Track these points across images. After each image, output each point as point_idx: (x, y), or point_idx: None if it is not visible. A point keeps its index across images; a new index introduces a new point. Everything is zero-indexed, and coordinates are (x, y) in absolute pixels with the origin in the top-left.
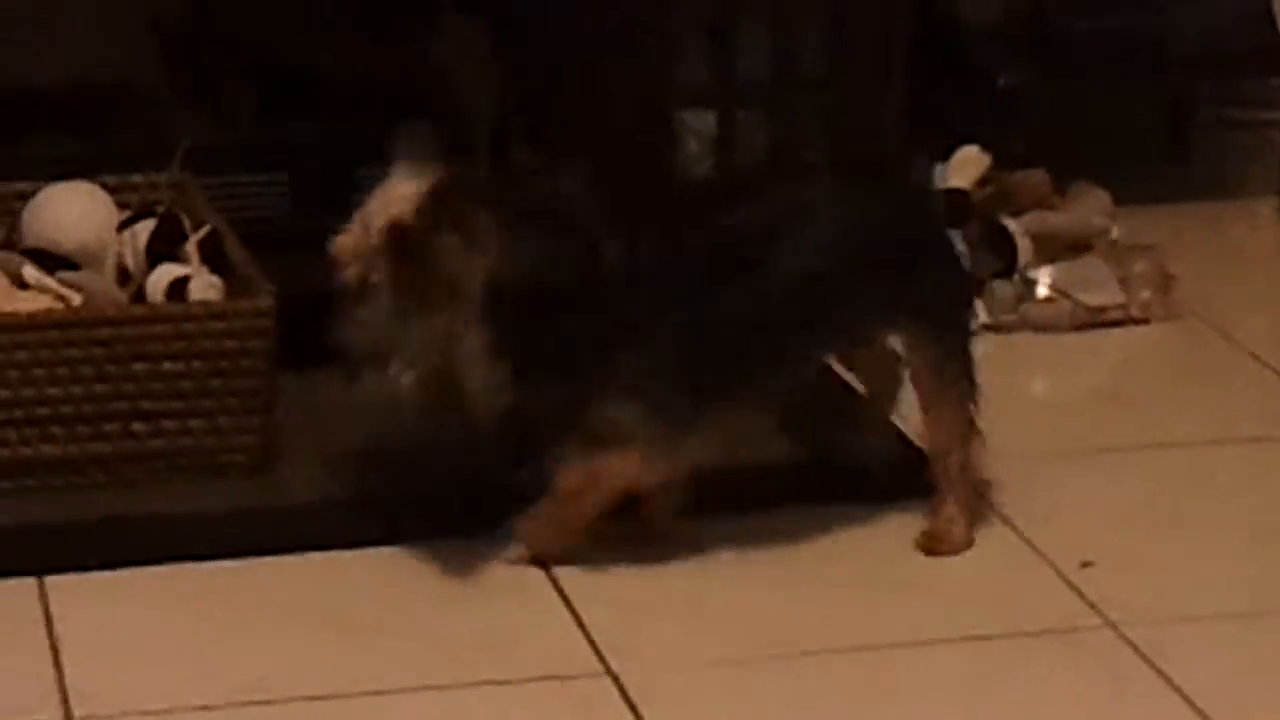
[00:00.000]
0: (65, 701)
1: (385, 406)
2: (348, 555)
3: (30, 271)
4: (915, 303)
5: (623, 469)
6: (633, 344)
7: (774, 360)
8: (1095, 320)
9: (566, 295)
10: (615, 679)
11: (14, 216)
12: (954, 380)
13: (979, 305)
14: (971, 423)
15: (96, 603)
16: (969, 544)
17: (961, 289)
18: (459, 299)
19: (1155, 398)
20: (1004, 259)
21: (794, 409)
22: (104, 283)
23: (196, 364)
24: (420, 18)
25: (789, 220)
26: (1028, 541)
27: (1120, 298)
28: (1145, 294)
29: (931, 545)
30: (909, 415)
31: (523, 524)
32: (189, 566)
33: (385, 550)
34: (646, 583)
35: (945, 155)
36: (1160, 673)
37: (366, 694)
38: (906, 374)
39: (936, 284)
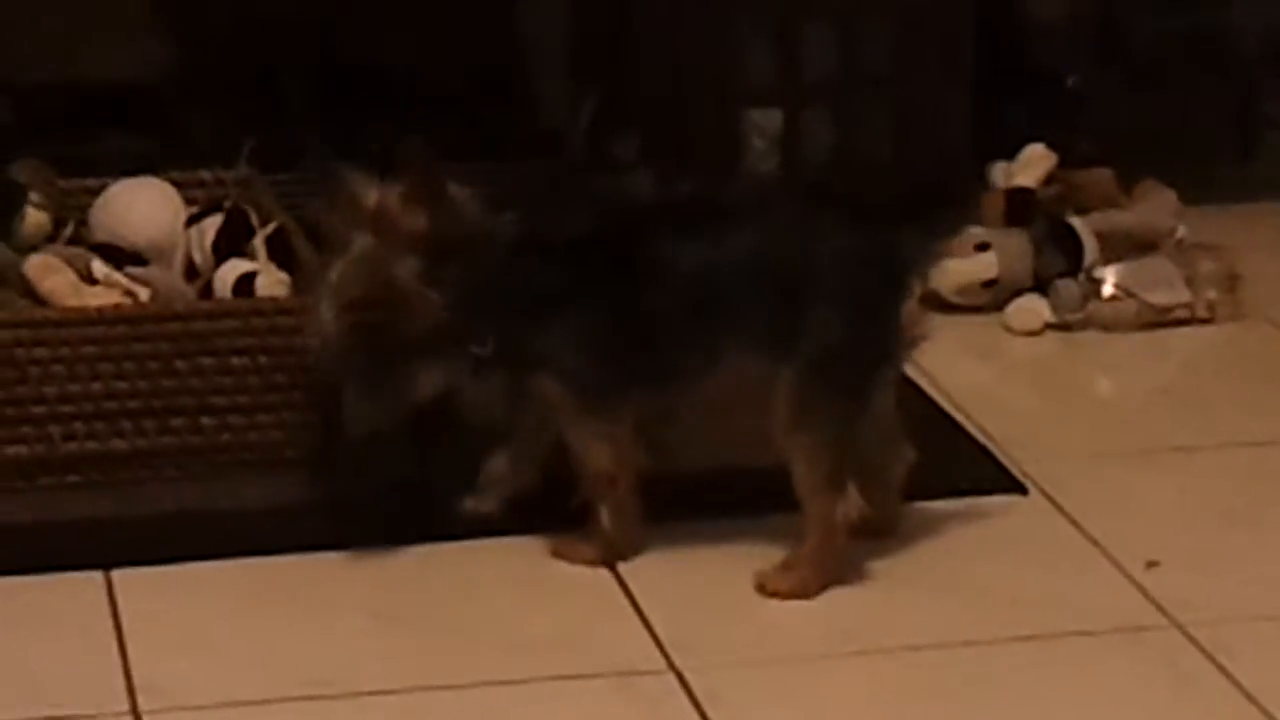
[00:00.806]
0: (132, 694)
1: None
2: (413, 550)
3: (99, 267)
4: (795, 340)
5: (594, 464)
6: (557, 321)
7: (688, 358)
8: (1161, 320)
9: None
10: (680, 676)
11: (83, 212)
12: (816, 427)
13: (1035, 307)
14: (835, 474)
15: (163, 596)
16: (804, 595)
17: (858, 338)
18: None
19: (1221, 397)
20: (1070, 258)
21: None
22: (172, 278)
23: (263, 359)
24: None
25: (713, 226)
26: (1092, 541)
27: (1186, 297)
28: (1211, 293)
29: (759, 582)
30: None
31: (564, 547)
32: (255, 560)
33: (451, 546)
34: (711, 579)
35: (1011, 153)
36: (1225, 673)
37: (431, 689)
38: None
39: (823, 328)
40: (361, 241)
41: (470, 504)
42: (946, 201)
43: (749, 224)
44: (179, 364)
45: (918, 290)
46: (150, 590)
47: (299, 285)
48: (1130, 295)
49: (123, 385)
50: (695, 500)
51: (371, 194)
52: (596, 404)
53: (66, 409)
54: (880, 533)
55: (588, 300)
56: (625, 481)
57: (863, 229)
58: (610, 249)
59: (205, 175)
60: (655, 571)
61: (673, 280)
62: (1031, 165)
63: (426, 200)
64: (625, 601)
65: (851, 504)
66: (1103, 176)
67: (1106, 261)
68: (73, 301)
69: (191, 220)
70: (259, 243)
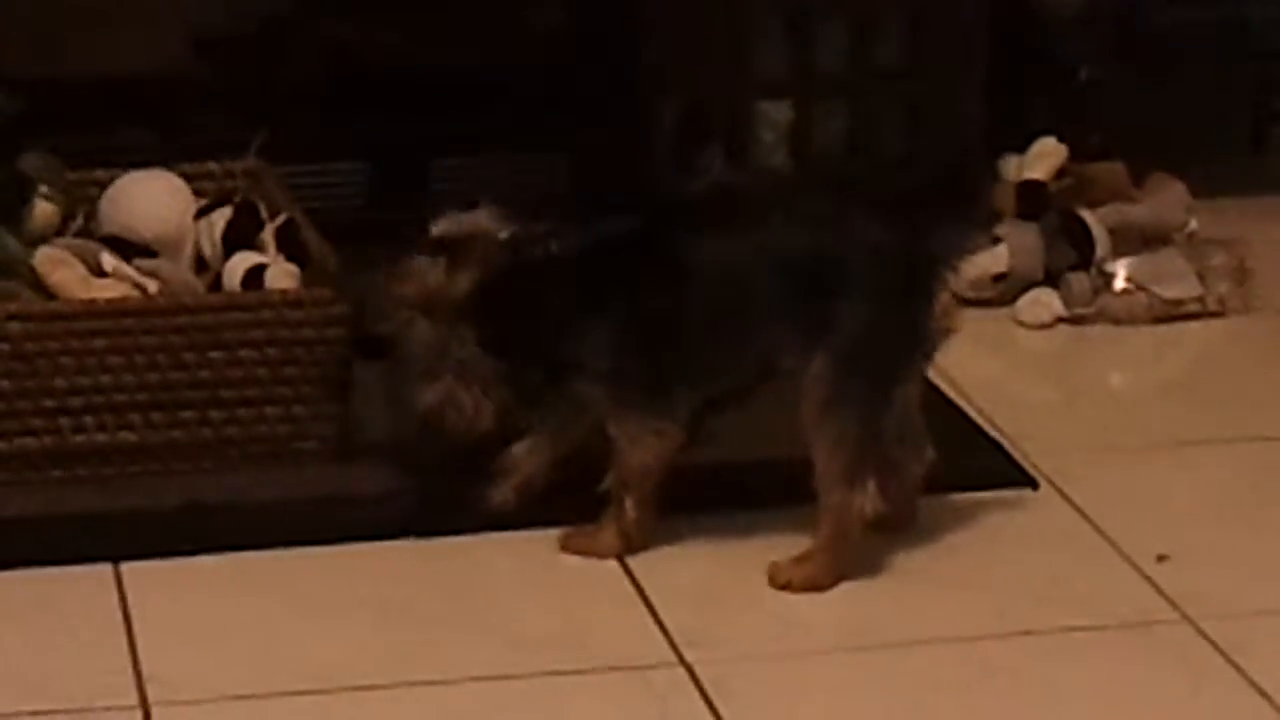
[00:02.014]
0: (140, 686)
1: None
2: (423, 544)
3: (108, 259)
4: (827, 332)
5: (638, 458)
6: (593, 327)
7: (721, 356)
8: (1172, 313)
9: (536, 282)
10: (690, 669)
11: (92, 204)
12: (841, 420)
13: (1046, 301)
14: (856, 468)
15: (172, 589)
16: (817, 588)
17: (890, 330)
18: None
19: (1232, 391)
20: (1081, 251)
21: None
22: (181, 271)
23: (272, 352)
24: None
25: (746, 220)
26: (1103, 535)
27: (1197, 291)
28: (1222, 287)
29: (773, 573)
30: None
31: (575, 539)
32: (264, 554)
33: (460, 540)
34: (720, 573)
35: (1023, 146)
36: (1237, 667)
37: (438, 683)
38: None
39: (853, 321)
40: (421, 329)
41: (486, 494)
42: (976, 195)
43: (782, 217)
44: (187, 357)
45: (949, 284)
46: (159, 583)
47: (308, 278)
48: (1141, 289)
49: (131, 378)
50: (706, 492)
51: (416, 278)
52: (644, 401)
53: (75, 402)
54: (895, 529)
55: (623, 301)
56: (657, 477)
57: (896, 221)
58: (641, 247)
59: (214, 167)
60: (665, 564)
61: (709, 275)
62: (1043, 158)
63: (469, 263)
64: (635, 594)
65: (869, 499)
66: (1114, 170)
67: (1117, 255)
68: (81, 294)
69: (201, 213)
70: (268, 235)
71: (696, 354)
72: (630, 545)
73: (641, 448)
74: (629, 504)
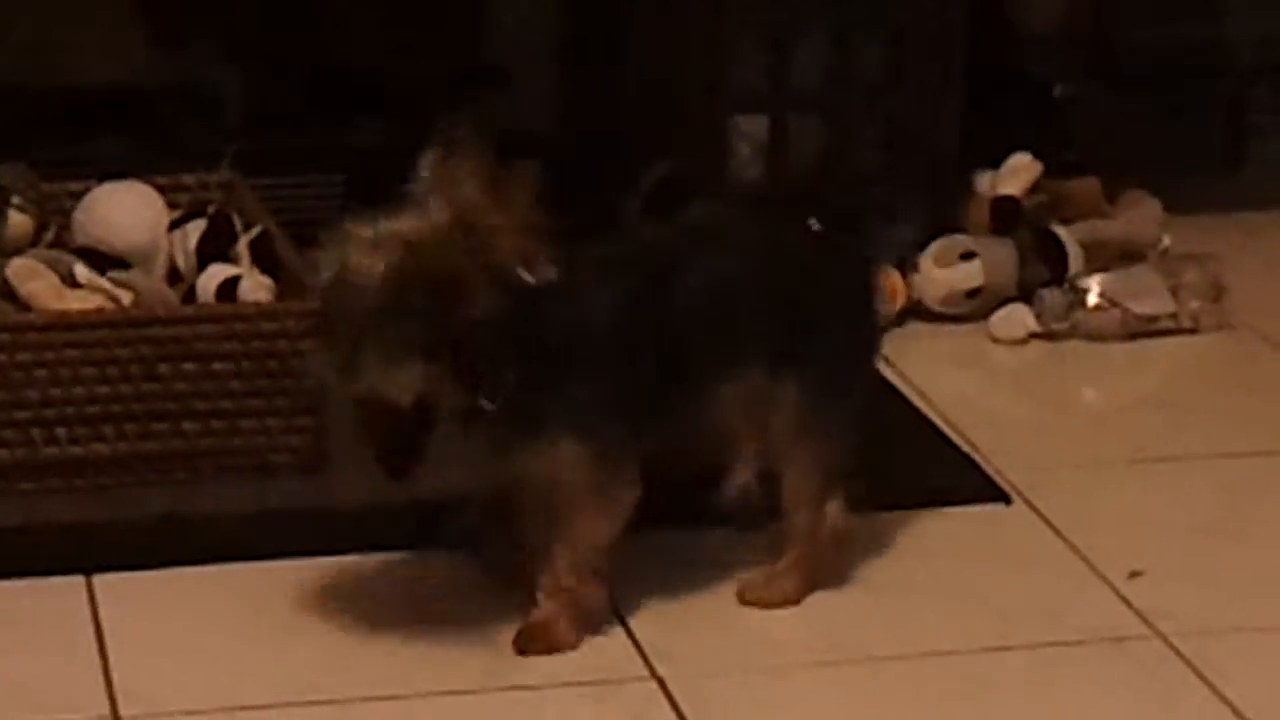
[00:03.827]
0: (112, 700)
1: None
2: (396, 557)
3: (81, 270)
4: (797, 352)
5: (609, 534)
6: (567, 376)
7: (691, 390)
8: (1145, 329)
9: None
10: (662, 684)
11: (66, 215)
12: (816, 446)
13: (1019, 317)
14: (827, 487)
15: (145, 602)
16: (785, 604)
17: (854, 351)
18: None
19: (1205, 408)
20: (1055, 267)
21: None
22: (155, 282)
23: (247, 364)
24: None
25: (700, 252)
26: (1076, 550)
27: (1171, 307)
28: (1196, 304)
29: (741, 590)
30: None
31: (537, 629)
32: (238, 566)
33: (433, 553)
34: (693, 589)
35: (997, 162)
36: (1209, 684)
37: (413, 696)
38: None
39: (824, 339)
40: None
41: (461, 509)
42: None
43: (745, 247)
44: (162, 368)
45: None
46: (132, 595)
47: (282, 290)
48: (1115, 305)
49: (105, 390)
50: (677, 507)
51: (469, 182)
52: (615, 461)
53: (48, 413)
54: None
55: (603, 347)
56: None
57: (850, 242)
58: (617, 289)
59: (189, 179)
60: (638, 579)
61: (674, 318)
62: (1017, 174)
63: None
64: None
65: (839, 514)
66: (1088, 186)
67: (1091, 271)
68: (55, 305)
69: (175, 224)
70: (242, 247)
71: (669, 394)
72: (593, 623)
73: (607, 524)
74: (594, 579)
